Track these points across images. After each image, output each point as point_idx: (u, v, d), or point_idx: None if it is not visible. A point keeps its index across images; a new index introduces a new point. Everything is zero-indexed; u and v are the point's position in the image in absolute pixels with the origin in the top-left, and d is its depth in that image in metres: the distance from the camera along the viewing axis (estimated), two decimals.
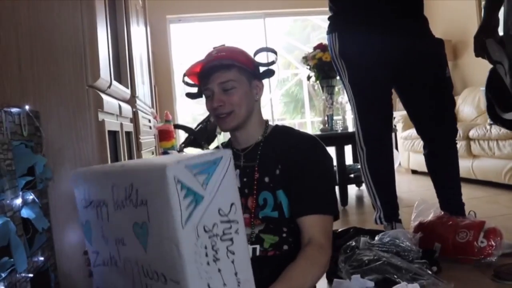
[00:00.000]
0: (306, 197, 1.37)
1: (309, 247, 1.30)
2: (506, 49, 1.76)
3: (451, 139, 2.31)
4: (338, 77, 2.45)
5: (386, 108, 2.28)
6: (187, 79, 1.51)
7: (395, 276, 1.51)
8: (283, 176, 1.41)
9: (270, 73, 1.50)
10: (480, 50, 1.92)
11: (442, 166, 2.34)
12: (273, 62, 1.49)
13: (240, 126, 1.46)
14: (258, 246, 1.38)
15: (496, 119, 1.88)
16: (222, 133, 1.61)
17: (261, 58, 1.50)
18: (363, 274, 1.53)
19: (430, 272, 1.55)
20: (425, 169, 2.52)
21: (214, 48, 1.48)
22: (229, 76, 1.40)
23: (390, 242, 1.70)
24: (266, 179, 1.43)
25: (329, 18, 2.33)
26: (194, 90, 1.54)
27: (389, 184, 2.34)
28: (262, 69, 1.50)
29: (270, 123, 1.57)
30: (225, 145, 1.61)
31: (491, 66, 1.89)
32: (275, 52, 1.49)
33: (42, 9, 1.60)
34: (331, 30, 2.28)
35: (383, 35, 2.13)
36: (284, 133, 1.53)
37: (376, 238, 1.75)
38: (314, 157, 1.44)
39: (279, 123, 1.62)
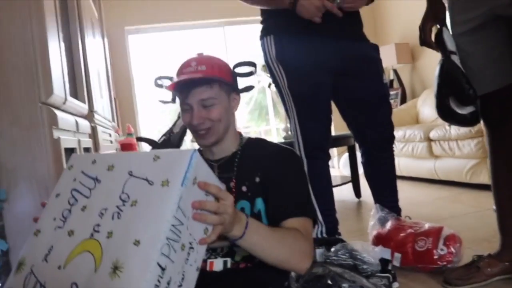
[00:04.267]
0: (286, 203, 1.38)
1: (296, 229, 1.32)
2: (455, 39, 1.73)
3: (389, 146, 2.30)
4: (273, 84, 2.30)
5: (327, 115, 2.18)
6: (160, 81, 1.49)
7: None
8: (263, 183, 1.41)
9: (249, 88, 1.51)
10: (429, 40, 1.80)
11: (379, 173, 2.33)
12: (251, 73, 1.48)
13: (218, 142, 1.45)
14: (229, 259, 1.37)
15: (447, 115, 1.81)
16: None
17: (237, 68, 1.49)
18: None
19: None
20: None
21: (191, 58, 1.44)
22: (211, 94, 1.38)
23: (347, 254, 1.63)
24: (244, 188, 1.42)
25: (262, 22, 2.22)
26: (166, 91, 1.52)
27: (330, 197, 2.27)
28: (239, 79, 1.49)
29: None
30: None
31: None
32: (255, 66, 1.49)
33: None
34: (265, 33, 2.16)
35: (323, 38, 2.04)
36: (260, 144, 1.54)
37: (332, 249, 1.67)
38: (292, 165, 1.47)
39: (245, 131, 1.62)
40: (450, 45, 1.72)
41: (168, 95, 1.53)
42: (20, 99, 1.55)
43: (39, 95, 1.56)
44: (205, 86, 1.37)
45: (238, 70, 1.47)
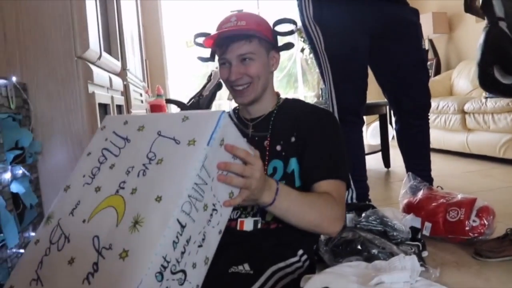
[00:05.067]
0: (321, 164, 1.38)
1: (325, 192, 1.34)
2: (503, 3, 1.64)
3: (424, 113, 2.26)
4: (308, 45, 2.25)
5: (363, 79, 2.14)
6: (198, 40, 1.47)
7: (380, 256, 1.45)
8: (298, 143, 1.41)
9: (289, 46, 1.50)
10: (475, 5, 1.74)
11: (413, 140, 2.29)
12: (292, 32, 1.46)
13: (256, 100, 1.45)
14: (259, 219, 1.37)
15: (490, 85, 1.73)
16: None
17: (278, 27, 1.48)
18: (344, 257, 1.48)
19: (416, 257, 1.49)
20: None
21: (232, 12, 1.44)
22: (249, 49, 1.37)
23: (377, 220, 1.61)
24: (278, 148, 1.42)
25: None
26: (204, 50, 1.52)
27: (362, 163, 2.26)
28: (280, 39, 1.48)
29: None
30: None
31: None
32: (295, 23, 1.47)
33: None
34: None
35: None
36: (297, 104, 1.54)
37: (363, 215, 1.65)
38: (329, 126, 1.46)
39: None
40: (499, 10, 1.64)
41: (207, 52, 1.52)
42: (57, 53, 1.56)
43: (75, 49, 1.57)
44: (244, 41, 1.36)
45: (278, 28, 1.45)
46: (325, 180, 1.35)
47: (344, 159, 1.46)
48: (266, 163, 1.41)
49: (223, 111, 0.98)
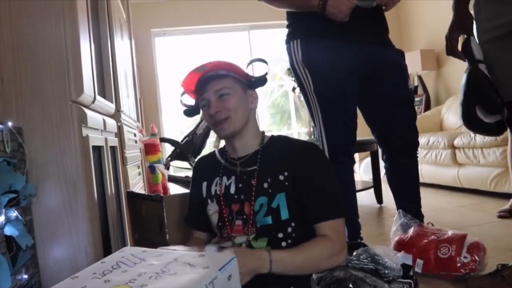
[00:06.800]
0: (319, 205, 1.44)
1: (320, 237, 1.41)
2: (481, 46, 1.72)
3: (413, 151, 2.30)
4: (298, 87, 2.32)
5: (353, 119, 2.19)
6: (184, 99, 1.60)
7: None
8: (288, 182, 1.44)
9: (262, 82, 1.56)
10: (456, 49, 1.82)
11: (402, 178, 2.32)
12: (265, 75, 1.55)
13: (237, 132, 1.50)
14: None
15: (473, 124, 1.81)
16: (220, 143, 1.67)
17: (251, 70, 1.58)
18: None
19: None
20: None
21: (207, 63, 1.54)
22: (224, 84, 1.47)
23: (368, 259, 1.60)
24: (265, 185, 1.46)
25: (288, 26, 2.23)
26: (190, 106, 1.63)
27: (353, 202, 2.29)
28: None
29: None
30: (220, 152, 1.63)
31: None
32: (265, 62, 1.57)
33: (24, 24, 1.58)
34: (292, 37, 2.17)
35: (349, 42, 2.06)
36: (283, 141, 1.58)
37: (354, 253, 1.63)
38: (319, 163, 1.51)
39: (266, 134, 1.65)
40: (478, 54, 1.72)
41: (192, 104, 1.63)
42: (52, 97, 1.59)
43: (70, 93, 1.60)
44: (218, 79, 1.48)
45: (254, 72, 1.58)
46: (324, 222, 1.41)
47: (339, 194, 1.50)
48: (253, 200, 1.46)
49: (235, 257, 1.10)
